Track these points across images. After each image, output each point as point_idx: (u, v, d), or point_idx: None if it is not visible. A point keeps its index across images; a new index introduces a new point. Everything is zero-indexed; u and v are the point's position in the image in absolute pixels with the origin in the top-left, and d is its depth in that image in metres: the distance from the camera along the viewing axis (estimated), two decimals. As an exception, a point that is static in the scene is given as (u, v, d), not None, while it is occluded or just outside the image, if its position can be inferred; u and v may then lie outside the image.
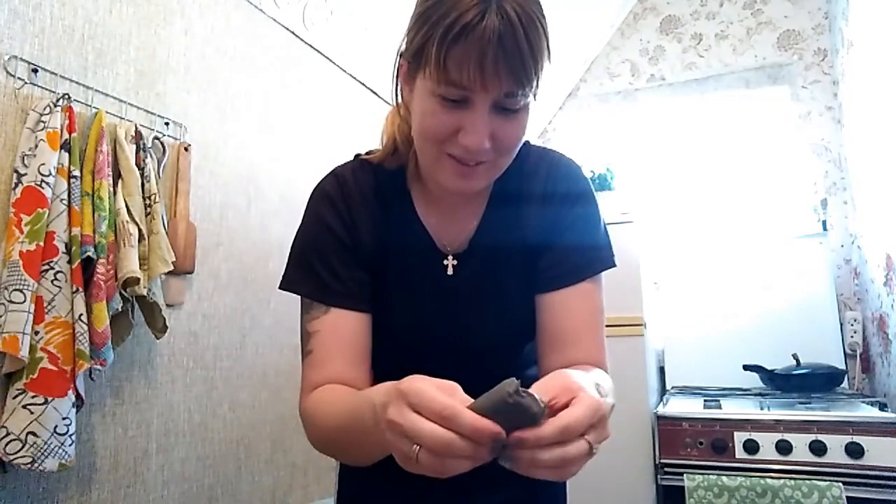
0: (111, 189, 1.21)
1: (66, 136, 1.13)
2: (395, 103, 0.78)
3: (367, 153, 0.85)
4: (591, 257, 0.80)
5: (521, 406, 0.47)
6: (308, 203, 0.82)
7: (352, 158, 0.86)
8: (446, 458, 0.48)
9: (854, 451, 1.78)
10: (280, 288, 0.80)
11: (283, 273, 0.80)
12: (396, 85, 0.76)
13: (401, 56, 0.74)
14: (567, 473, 0.51)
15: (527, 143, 0.85)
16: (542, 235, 0.80)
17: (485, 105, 0.65)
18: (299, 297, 0.80)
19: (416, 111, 0.71)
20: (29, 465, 1.02)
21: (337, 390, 0.72)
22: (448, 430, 0.48)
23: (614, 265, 0.81)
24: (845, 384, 2.31)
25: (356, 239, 0.79)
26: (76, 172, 1.14)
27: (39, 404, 1.03)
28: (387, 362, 0.79)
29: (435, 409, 0.48)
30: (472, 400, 0.50)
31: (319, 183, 0.83)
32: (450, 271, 0.80)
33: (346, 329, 0.76)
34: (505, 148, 0.69)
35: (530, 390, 0.49)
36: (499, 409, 0.48)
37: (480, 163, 0.69)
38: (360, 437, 0.63)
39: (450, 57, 0.62)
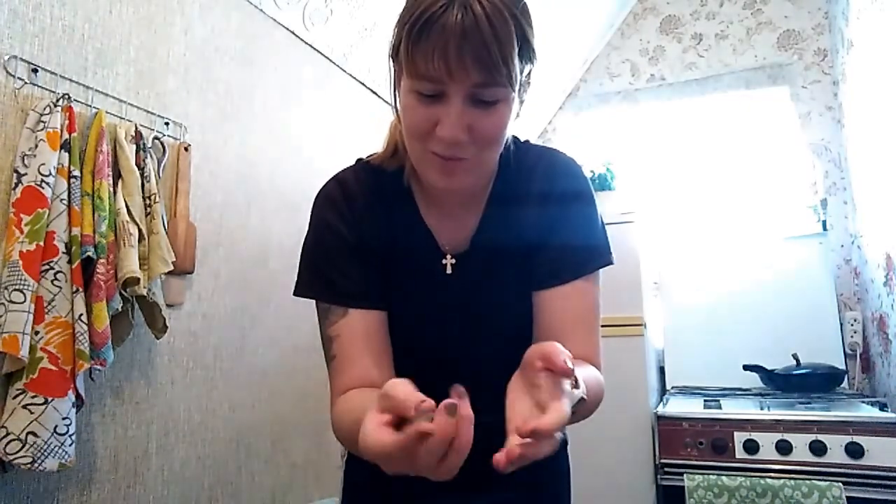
0: (111, 189, 1.21)
1: (66, 136, 1.13)
2: (394, 111, 0.79)
3: (368, 156, 0.86)
4: (587, 256, 0.80)
5: None
6: (312, 208, 0.83)
7: (353, 162, 0.86)
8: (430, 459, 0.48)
9: (854, 451, 1.78)
10: (294, 294, 0.80)
11: (295, 279, 0.81)
12: (393, 89, 0.77)
13: (391, 60, 0.75)
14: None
15: (527, 142, 0.85)
16: (540, 234, 0.80)
17: (458, 97, 0.66)
18: (314, 301, 0.80)
19: (400, 110, 0.73)
20: (29, 465, 1.01)
21: (361, 395, 0.72)
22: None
23: (611, 263, 0.82)
24: (845, 384, 2.31)
25: (361, 239, 0.80)
26: (76, 172, 1.14)
27: (39, 404, 1.03)
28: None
29: (381, 408, 0.50)
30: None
31: (322, 188, 0.84)
32: (448, 270, 0.81)
33: (365, 329, 0.77)
34: (485, 141, 0.70)
35: None
36: None
37: (463, 159, 0.70)
38: None
39: (417, 51, 0.65)
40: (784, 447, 1.86)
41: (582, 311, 0.78)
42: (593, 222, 0.82)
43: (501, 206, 0.82)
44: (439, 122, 0.67)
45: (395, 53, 0.71)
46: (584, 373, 0.66)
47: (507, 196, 0.82)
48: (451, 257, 0.81)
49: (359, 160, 0.86)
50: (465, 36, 0.63)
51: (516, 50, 0.66)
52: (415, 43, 0.64)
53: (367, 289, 0.78)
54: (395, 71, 0.74)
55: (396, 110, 0.79)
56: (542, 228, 0.80)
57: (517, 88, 0.69)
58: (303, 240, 0.83)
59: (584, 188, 0.83)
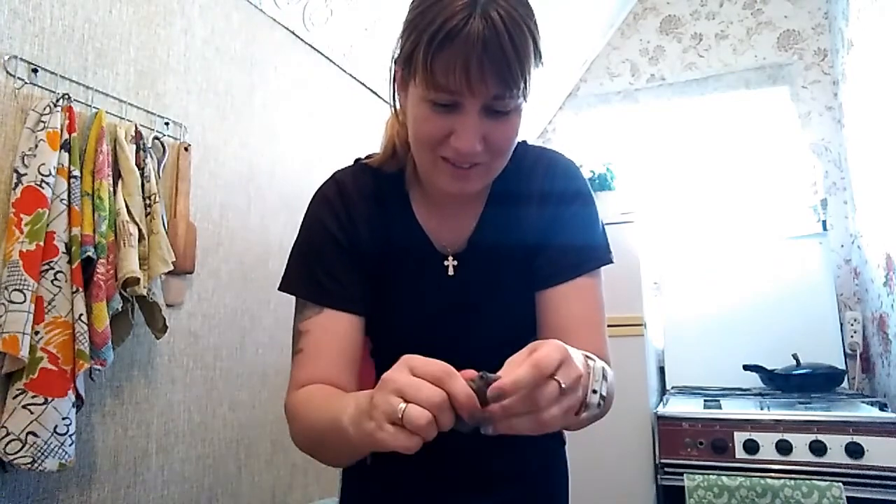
0: (111, 189, 1.21)
1: (66, 136, 1.13)
2: (392, 110, 0.79)
3: (366, 157, 0.86)
4: (587, 254, 0.80)
5: (480, 391, 0.52)
6: (308, 206, 0.83)
7: (352, 163, 0.86)
8: (437, 415, 0.50)
9: (854, 451, 1.78)
10: (279, 289, 0.81)
11: (282, 274, 0.81)
12: (393, 91, 0.77)
13: (395, 63, 0.74)
14: (544, 422, 0.52)
15: (524, 142, 0.85)
16: (539, 234, 0.81)
17: (474, 108, 0.66)
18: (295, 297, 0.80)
19: (409, 117, 0.72)
20: (29, 465, 1.01)
21: (322, 390, 0.73)
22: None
23: (611, 262, 0.82)
24: (845, 384, 2.31)
25: (354, 241, 0.80)
26: (76, 172, 1.14)
27: (39, 404, 1.03)
28: (390, 364, 0.79)
29: (434, 370, 0.52)
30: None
31: (320, 188, 0.84)
32: (451, 272, 0.81)
33: (337, 330, 0.77)
34: (498, 150, 0.70)
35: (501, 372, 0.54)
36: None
37: (475, 165, 0.70)
38: (337, 439, 0.63)
39: (436, 63, 0.63)
40: (784, 447, 1.86)
41: (586, 309, 0.78)
42: (593, 222, 0.82)
43: (500, 206, 0.82)
44: (453, 132, 0.67)
45: (406, 60, 0.69)
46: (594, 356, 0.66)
47: (506, 196, 0.82)
48: (453, 259, 0.81)
49: (357, 160, 0.86)
50: (487, 50, 0.62)
51: (533, 63, 0.67)
52: (435, 54, 0.63)
53: (348, 292, 0.78)
54: (399, 75, 0.74)
55: (396, 112, 0.79)
56: (542, 228, 0.81)
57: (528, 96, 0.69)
58: (296, 236, 0.83)
59: (584, 189, 0.84)
